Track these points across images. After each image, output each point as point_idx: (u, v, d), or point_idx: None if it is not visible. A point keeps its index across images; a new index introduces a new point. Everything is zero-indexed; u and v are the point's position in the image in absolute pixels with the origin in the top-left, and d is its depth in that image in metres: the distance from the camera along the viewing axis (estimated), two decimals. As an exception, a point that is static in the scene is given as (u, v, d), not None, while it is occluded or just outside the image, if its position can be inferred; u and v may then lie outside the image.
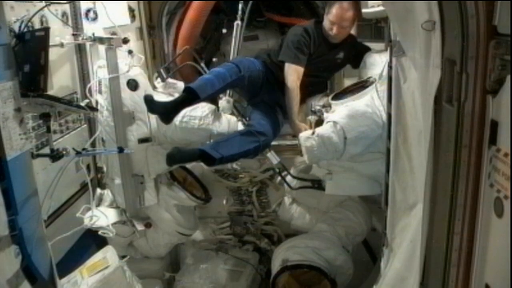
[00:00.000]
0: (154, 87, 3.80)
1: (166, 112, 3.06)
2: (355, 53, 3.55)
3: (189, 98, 3.12)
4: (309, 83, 3.54)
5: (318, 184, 3.65)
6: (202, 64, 3.90)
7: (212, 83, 3.17)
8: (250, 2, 4.07)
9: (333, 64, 3.59)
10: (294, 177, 3.74)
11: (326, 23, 3.34)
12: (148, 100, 3.04)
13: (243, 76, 3.29)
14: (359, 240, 3.84)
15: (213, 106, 3.56)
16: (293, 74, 3.35)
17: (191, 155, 3.25)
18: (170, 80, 3.76)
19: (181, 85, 3.81)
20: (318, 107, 3.37)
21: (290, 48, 3.35)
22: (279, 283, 3.56)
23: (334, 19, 3.26)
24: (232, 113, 3.76)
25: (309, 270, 3.49)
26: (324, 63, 3.51)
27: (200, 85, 3.14)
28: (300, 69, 3.36)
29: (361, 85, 3.26)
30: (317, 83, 3.71)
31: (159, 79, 3.78)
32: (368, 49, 3.52)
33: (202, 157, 3.18)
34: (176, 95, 3.69)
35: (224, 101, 3.72)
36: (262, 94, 3.54)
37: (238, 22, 4.05)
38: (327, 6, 3.35)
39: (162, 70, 3.78)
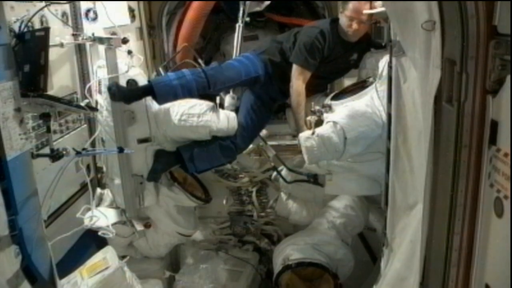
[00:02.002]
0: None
1: (126, 99, 3.19)
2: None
3: (148, 95, 3.24)
4: (317, 84, 3.52)
5: (314, 179, 3.66)
6: (200, 61, 3.92)
7: (175, 92, 3.23)
8: (248, 2, 4.08)
9: (346, 66, 3.53)
10: (289, 169, 3.74)
11: (343, 21, 3.24)
12: (111, 90, 3.12)
13: (212, 91, 3.34)
14: (358, 231, 3.85)
15: (211, 103, 3.57)
16: (300, 77, 3.31)
17: (170, 162, 3.52)
18: None
19: None
20: (317, 107, 3.37)
21: (302, 51, 3.29)
22: (282, 281, 3.57)
23: (353, 13, 3.15)
24: (236, 109, 3.77)
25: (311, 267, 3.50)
26: (338, 65, 3.45)
27: (163, 92, 3.21)
28: (308, 74, 3.32)
29: (361, 85, 3.25)
30: (324, 84, 3.69)
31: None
32: (380, 46, 3.44)
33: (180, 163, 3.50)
34: None
35: (229, 97, 3.74)
36: (260, 89, 3.55)
37: (239, 24, 4.06)
38: (340, 5, 3.27)
39: (161, 69, 3.84)
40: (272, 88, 3.53)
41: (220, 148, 3.51)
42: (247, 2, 4.13)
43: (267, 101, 3.63)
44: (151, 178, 3.48)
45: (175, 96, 3.26)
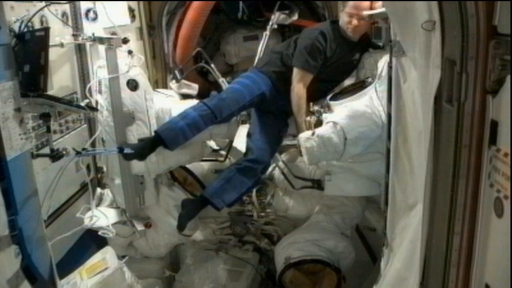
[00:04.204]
0: (158, 88, 3.89)
1: (139, 155, 3.12)
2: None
3: (159, 144, 3.16)
4: (324, 88, 3.50)
5: (317, 184, 3.68)
6: (213, 65, 4.02)
7: (184, 133, 3.15)
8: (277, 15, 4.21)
9: (350, 66, 3.50)
10: (296, 176, 3.75)
11: (343, 19, 3.24)
12: (120, 146, 3.11)
13: (220, 120, 3.26)
14: (356, 222, 3.86)
15: None
16: (301, 80, 3.27)
17: (197, 208, 3.38)
18: (184, 81, 4.10)
19: (195, 86, 4.16)
20: (316, 108, 3.36)
21: (302, 54, 3.26)
22: (286, 279, 3.58)
23: (353, 10, 3.15)
24: None
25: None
26: (342, 65, 3.42)
27: (172, 137, 3.14)
28: (309, 76, 3.28)
29: (359, 86, 3.25)
30: (330, 87, 3.64)
31: (174, 80, 4.09)
32: (378, 47, 3.46)
33: (208, 204, 3.35)
34: (191, 91, 4.03)
35: None
36: (269, 104, 3.49)
37: (266, 32, 4.17)
38: (341, 4, 3.30)
39: (176, 72, 4.10)
40: (280, 100, 3.47)
41: (238, 172, 3.40)
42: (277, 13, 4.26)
43: (279, 114, 3.57)
44: (179, 227, 3.37)
45: (185, 138, 3.18)
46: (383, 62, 2.95)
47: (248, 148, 3.54)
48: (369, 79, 3.18)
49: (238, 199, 3.57)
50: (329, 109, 3.32)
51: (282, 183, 3.91)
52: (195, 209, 3.42)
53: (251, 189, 3.63)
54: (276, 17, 4.24)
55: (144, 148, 3.14)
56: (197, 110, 3.21)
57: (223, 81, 3.97)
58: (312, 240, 3.56)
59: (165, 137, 3.13)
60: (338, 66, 3.41)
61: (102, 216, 3.38)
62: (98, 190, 3.74)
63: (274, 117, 3.55)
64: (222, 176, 3.45)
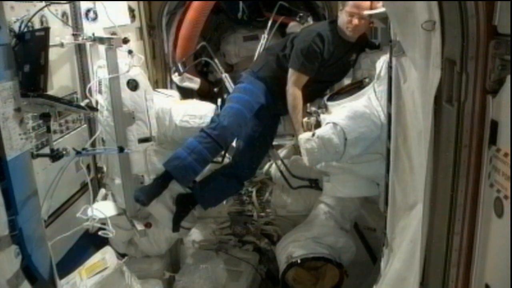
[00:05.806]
0: (158, 88, 3.88)
1: (154, 195, 3.33)
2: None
3: (170, 179, 3.32)
4: (321, 89, 3.51)
5: (315, 184, 3.68)
6: (216, 60, 4.09)
7: (194, 169, 3.28)
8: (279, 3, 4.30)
9: (347, 67, 3.48)
10: (294, 176, 3.75)
11: (343, 19, 3.19)
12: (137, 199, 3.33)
13: (225, 147, 3.38)
14: (356, 215, 3.87)
15: (213, 105, 3.57)
16: (296, 82, 3.25)
17: (187, 209, 3.62)
18: (186, 74, 4.21)
19: (197, 80, 4.23)
20: (314, 109, 3.35)
21: (299, 56, 3.23)
22: (289, 277, 3.59)
23: (353, 9, 3.11)
24: None
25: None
26: (340, 66, 3.41)
27: (183, 175, 3.28)
28: (305, 78, 3.26)
29: (357, 86, 3.24)
30: (327, 87, 3.65)
31: (176, 73, 4.20)
32: (375, 47, 3.45)
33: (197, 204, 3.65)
34: (193, 85, 4.13)
35: None
36: (264, 110, 3.49)
37: (265, 35, 4.27)
38: (340, 4, 3.26)
39: (179, 65, 4.20)
40: (274, 105, 3.47)
41: (220, 181, 3.61)
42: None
43: (271, 117, 3.58)
44: (174, 230, 3.60)
45: (195, 173, 3.33)
46: (381, 62, 2.95)
47: (233, 158, 3.67)
48: (367, 80, 3.17)
49: (221, 201, 3.86)
50: (326, 110, 3.31)
51: (280, 180, 3.92)
52: (186, 210, 3.61)
53: (231, 195, 3.99)
54: (290, 27, 4.30)
55: (158, 187, 3.31)
56: (202, 143, 3.25)
57: (226, 77, 3.97)
58: (312, 237, 3.57)
59: (177, 176, 3.29)
60: (335, 67, 3.40)
61: (103, 211, 3.36)
62: (103, 190, 3.72)
63: (265, 122, 3.56)
64: (209, 183, 3.64)
